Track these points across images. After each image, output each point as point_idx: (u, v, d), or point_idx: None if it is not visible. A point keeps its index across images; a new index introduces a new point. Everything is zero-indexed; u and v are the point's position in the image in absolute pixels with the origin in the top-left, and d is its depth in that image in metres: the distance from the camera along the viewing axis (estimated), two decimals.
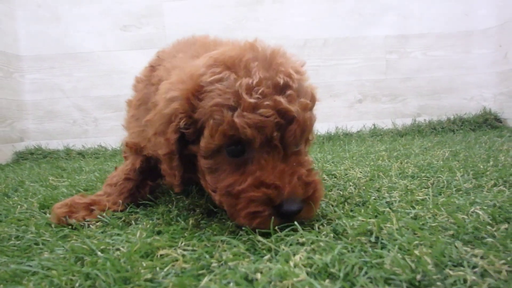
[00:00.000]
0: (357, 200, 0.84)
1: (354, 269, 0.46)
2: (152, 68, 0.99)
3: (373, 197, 0.84)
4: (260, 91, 0.62)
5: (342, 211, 0.74)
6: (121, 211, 0.83)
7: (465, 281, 0.43)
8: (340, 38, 2.56)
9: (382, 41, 2.58)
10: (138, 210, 0.84)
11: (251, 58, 0.66)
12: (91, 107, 2.53)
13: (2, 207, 0.94)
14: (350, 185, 0.99)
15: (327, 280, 0.43)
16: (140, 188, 0.92)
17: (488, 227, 0.60)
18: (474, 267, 0.47)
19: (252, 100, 0.61)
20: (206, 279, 0.44)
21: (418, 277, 0.43)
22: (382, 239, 0.56)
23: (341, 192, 0.91)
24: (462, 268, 0.46)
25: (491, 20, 2.51)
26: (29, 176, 1.54)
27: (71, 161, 2.22)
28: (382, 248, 0.53)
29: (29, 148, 2.42)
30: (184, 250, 0.54)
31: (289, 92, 0.64)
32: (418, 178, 1.04)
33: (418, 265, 0.46)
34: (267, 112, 0.61)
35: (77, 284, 0.44)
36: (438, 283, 0.42)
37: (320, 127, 2.47)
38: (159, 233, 0.66)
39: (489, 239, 0.54)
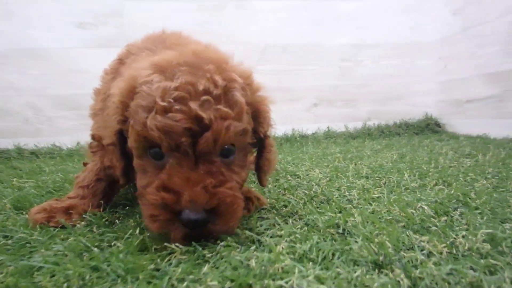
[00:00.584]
0: (322, 198, 0.93)
1: (329, 255, 0.55)
2: (121, 61, 1.01)
3: (336, 195, 0.94)
4: (174, 95, 0.61)
5: (310, 208, 0.83)
6: (102, 211, 0.86)
7: (416, 260, 0.54)
8: (299, 45, 2.68)
9: (337, 50, 2.74)
10: (117, 210, 0.88)
11: (182, 62, 0.66)
12: (46, 106, 2.45)
13: None
14: (313, 185, 1.09)
15: (308, 264, 0.51)
16: (112, 186, 0.92)
17: (432, 219, 0.72)
18: (422, 249, 0.58)
19: (163, 104, 0.61)
20: (206, 266, 0.50)
21: (381, 258, 0.53)
22: (348, 230, 0.66)
23: (307, 192, 1.01)
24: (413, 251, 0.57)
25: (433, 34, 2.76)
26: None
27: (24, 160, 2.14)
28: (349, 237, 0.63)
29: None
30: (176, 245, 0.60)
31: (205, 97, 0.62)
32: (372, 178, 1.16)
33: (380, 249, 0.55)
34: (175, 117, 0.60)
35: (87, 276, 0.49)
36: (397, 263, 0.52)
37: (278, 129, 2.57)
38: (146, 229, 0.71)
39: (433, 228, 0.66)
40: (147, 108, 0.63)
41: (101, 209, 0.86)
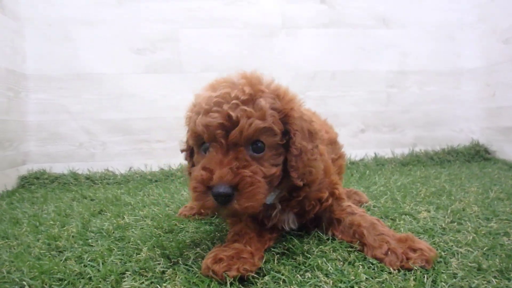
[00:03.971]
0: None
1: None
2: None
3: None
4: (214, 101, 0.82)
5: None
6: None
7: None
8: (346, 71, 2.70)
9: (383, 76, 2.75)
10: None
11: (225, 80, 0.88)
12: (99, 130, 2.45)
13: (116, 258, 0.89)
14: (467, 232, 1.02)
15: None
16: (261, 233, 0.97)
17: None
18: None
19: (206, 107, 0.82)
20: None
21: None
22: None
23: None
24: None
25: (478, 61, 2.78)
26: (74, 212, 1.44)
27: (83, 186, 2.13)
28: None
29: (32, 172, 2.28)
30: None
31: (234, 101, 0.81)
32: (506, 221, 1.12)
33: None
34: (213, 115, 0.80)
35: None
36: None
37: None
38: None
39: None
40: (198, 112, 0.85)
41: (263, 253, 0.86)
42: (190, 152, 0.97)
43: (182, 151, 1.01)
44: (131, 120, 2.48)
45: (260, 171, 0.81)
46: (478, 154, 2.68)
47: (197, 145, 0.88)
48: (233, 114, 0.80)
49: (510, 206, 1.29)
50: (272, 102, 0.86)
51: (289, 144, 0.88)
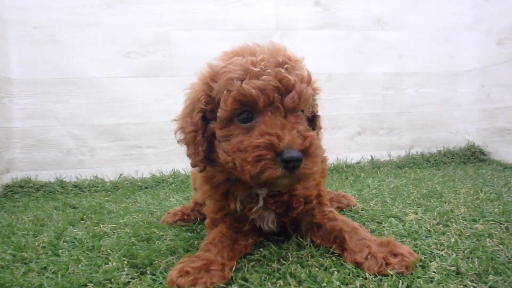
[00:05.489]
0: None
1: None
2: None
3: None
4: (262, 63, 0.76)
5: None
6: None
7: None
8: (343, 74, 2.65)
9: (380, 78, 2.71)
10: None
11: (257, 46, 0.84)
12: (88, 136, 2.37)
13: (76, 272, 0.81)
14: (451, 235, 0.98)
15: None
16: (236, 243, 0.90)
17: None
18: None
19: (256, 69, 0.76)
20: None
21: None
22: None
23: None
24: None
25: (474, 63, 2.74)
26: (52, 221, 1.36)
27: (70, 195, 2.04)
28: None
29: (16, 180, 2.19)
30: None
31: (286, 66, 0.77)
32: (492, 222, 1.08)
33: None
34: (267, 78, 0.75)
35: None
36: None
37: None
38: None
39: None
40: (240, 77, 0.77)
41: (235, 262, 0.81)
42: (202, 132, 0.83)
43: (189, 132, 0.85)
44: (122, 125, 2.40)
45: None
46: (473, 156, 2.64)
47: (234, 114, 0.78)
48: (291, 77, 0.76)
49: (499, 207, 1.25)
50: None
51: (313, 127, 0.88)
